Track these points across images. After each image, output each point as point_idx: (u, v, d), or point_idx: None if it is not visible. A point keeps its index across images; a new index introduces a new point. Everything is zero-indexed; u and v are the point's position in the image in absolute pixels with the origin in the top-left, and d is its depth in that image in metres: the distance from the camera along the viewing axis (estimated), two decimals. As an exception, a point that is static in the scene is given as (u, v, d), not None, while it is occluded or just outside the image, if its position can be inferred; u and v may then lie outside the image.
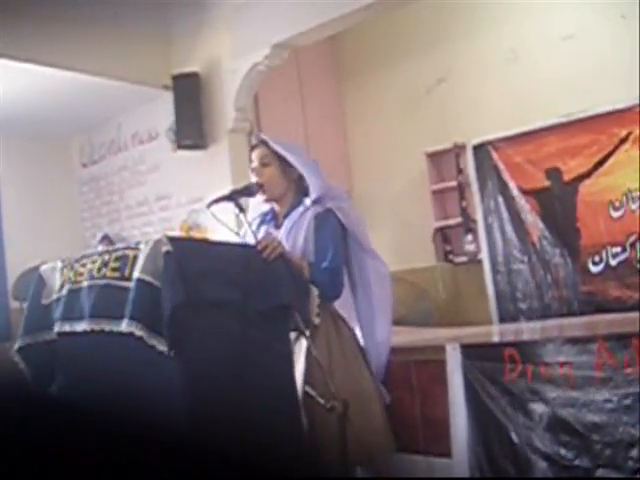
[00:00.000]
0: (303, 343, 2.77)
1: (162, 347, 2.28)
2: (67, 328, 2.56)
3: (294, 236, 2.90)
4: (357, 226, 3.02)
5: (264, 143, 3.00)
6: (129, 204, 5.99)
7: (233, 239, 3.08)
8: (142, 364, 2.35)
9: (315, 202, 2.93)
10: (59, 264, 2.69)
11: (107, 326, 2.39)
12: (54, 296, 2.65)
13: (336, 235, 2.91)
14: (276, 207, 3.06)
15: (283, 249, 2.72)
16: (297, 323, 2.69)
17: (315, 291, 2.76)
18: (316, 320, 2.74)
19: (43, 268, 2.79)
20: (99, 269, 2.47)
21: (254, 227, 2.97)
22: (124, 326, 2.30)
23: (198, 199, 5.25)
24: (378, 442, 2.81)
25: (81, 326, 2.49)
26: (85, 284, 2.51)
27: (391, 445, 2.85)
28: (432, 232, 5.93)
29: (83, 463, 2.34)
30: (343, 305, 2.96)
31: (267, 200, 3.02)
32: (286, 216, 2.99)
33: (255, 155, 3.02)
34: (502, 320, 5.05)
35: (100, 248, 4.20)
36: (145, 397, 2.34)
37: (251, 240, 2.85)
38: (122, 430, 2.31)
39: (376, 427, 2.81)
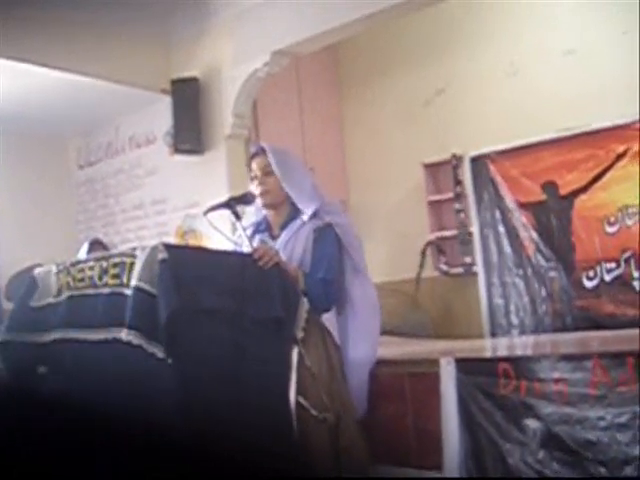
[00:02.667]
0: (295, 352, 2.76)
1: (161, 354, 2.28)
2: (73, 335, 2.54)
3: (292, 248, 2.90)
4: (354, 246, 3.03)
5: (265, 152, 3.00)
6: (125, 207, 5.96)
7: (229, 246, 3.08)
8: (141, 371, 2.35)
9: (313, 216, 2.94)
10: (54, 268, 2.68)
11: (110, 334, 2.38)
12: (50, 300, 2.64)
13: (334, 249, 2.93)
14: (271, 216, 3.06)
15: (279, 258, 2.72)
16: (290, 333, 2.70)
17: (305, 305, 2.75)
18: (300, 334, 2.72)
19: (37, 271, 2.79)
20: (100, 276, 2.47)
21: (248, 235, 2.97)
22: (123, 335, 2.30)
23: (194, 204, 5.24)
24: (353, 455, 2.81)
25: (93, 335, 2.47)
26: (90, 292, 2.51)
27: (365, 458, 2.86)
28: (423, 246, 5.89)
29: (82, 465, 2.34)
30: (327, 319, 2.96)
31: (266, 205, 3.02)
32: (283, 227, 2.99)
33: (257, 164, 3.01)
34: (495, 333, 5.04)
35: (85, 253, 4.22)
36: (144, 403, 2.33)
37: (247, 248, 2.85)
38: (119, 436, 2.31)
39: (352, 440, 2.82)
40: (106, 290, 2.45)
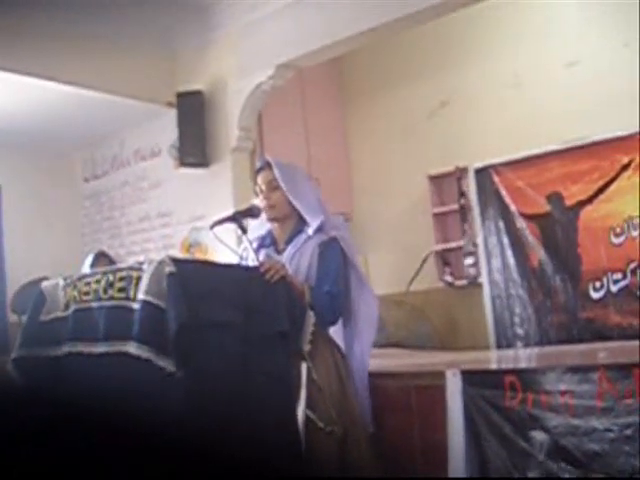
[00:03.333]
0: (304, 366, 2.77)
1: (171, 368, 2.28)
2: (79, 349, 2.54)
3: (297, 262, 2.91)
4: (357, 259, 3.04)
5: (271, 166, 3.01)
6: (130, 220, 5.97)
7: (234, 259, 3.09)
8: (147, 384, 2.35)
9: (318, 230, 2.95)
10: (61, 282, 2.69)
11: (116, 347, 2.39)
12: (58, 314, 2.65)
13: (339, 262, 2.93)
14: (276, 231, 3.06)
15: (286, 272, 2.72)
16: (297, 346, 2.70)
17: (312, 318, 2.75)
18: (306, 347, 2.73)
19: (44, 284, 2.79)
20: (105, 289, 2.47)
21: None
22: (132, 349, 2.30)
23: (199, 217, 5.25)
24: (361, 467, 2.81)
25: (96, 348, 2.47)
26: (94, 305, 2.51)
27: (372, 470, 2.86)
28: (425, 255, 5.86)
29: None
30: (335, 331, 2.97)
31: (271, 220, 3.03)
32: (288, 242, 3.00)
33: (262, 178, 3.02)
34: (500, 345, 5.04)
35: (90, 266, 4.23)
36: (152, 417, 2.33)
37: (252, 261, 2.86)
38: (126, 450, 2.31)
39: (360, 453, 2.82)
40: (110, 303, 2.45)
